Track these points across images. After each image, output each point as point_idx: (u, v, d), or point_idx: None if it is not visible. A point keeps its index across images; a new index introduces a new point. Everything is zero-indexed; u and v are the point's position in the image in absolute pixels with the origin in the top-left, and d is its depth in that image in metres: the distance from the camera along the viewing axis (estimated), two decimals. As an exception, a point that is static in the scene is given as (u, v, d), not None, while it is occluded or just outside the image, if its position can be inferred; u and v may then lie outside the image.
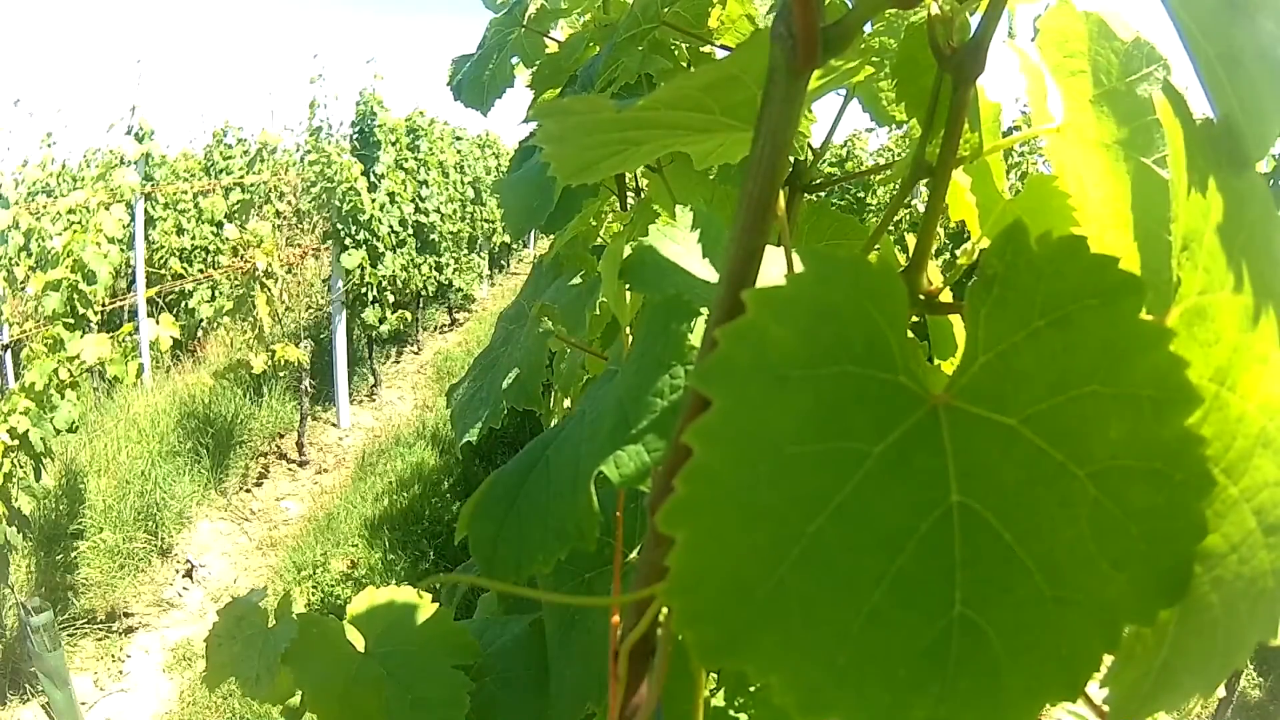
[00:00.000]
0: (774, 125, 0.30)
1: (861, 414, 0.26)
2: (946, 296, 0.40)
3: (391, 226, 6.61)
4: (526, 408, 0.62)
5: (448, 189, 8.63)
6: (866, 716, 0.24)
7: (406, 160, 7.44)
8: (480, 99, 1.16)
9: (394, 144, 6.93)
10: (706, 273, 0.59)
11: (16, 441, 3.29)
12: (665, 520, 0.24)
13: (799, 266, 0.26)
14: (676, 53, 0.98)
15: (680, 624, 0.24)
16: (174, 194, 7.94)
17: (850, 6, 0.31)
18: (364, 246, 6.21)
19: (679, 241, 0.60)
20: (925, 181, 0.41)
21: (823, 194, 0.83)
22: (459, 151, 9.91)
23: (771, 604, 0.24)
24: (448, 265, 8.47)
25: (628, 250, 0.59)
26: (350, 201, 6.00)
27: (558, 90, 1.14)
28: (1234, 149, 0.32)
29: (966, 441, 0.26)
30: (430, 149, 8.16)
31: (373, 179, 6.49)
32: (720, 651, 0.24)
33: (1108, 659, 0.25)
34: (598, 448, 0.46)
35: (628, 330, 0.57)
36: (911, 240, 0.49)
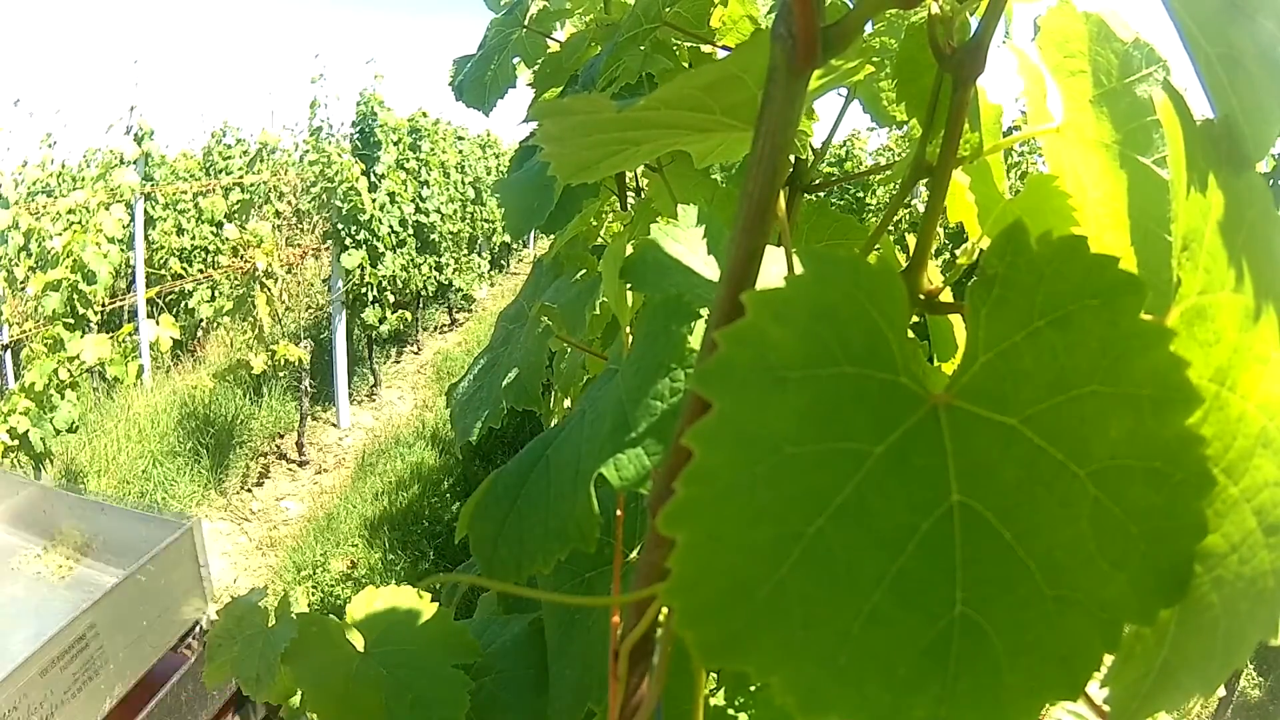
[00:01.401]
0: (774, 125, 0.30)
1: (861, 414, 0.26)
2: (946, 296, 0.40)
3: (391, 226, 6.61)
4: (526, 408, 0.62)
5: (448, 189, 8.63)
6: (867, 716, 0.24)
7: (407, 160, 7.43)
8: (482, 99, 1.16)
9: (395, 144, 6.93)
10: (708, 271, 0.59)
11: (16, 441, 3.29)
12: (666, 522, 0.24)
13: (798, 267, 0.26)
14: (678, 53, 0.98)
15: (681, 624, 0.24)
16: (174, 194, 7.94)
17: (850, 6, 0.31)
18: (364, 246, 6.21)
19: (680, 240, 0.60)
20: (925, 181, 0.41)
21: (823, 194, 0.83)
22: (460, 152, 9.91)
23: (772, 604, 0.24)
24: (448, 265, 8.47)
25: (628, 250, 0.59)
26: (350, 201, 6.00)
27: (559, 90, 1.14)
28: (1234, 149, 0.32)
29: (967, 441, 0.26)
30: (431, 149, 8.16)
31: (373, 179, 6.49)
32: (721, 651, 0.24)
33: (1108, 659, 0.25)
34: (598, 448, 0.46)
35: (628, 330, 0.57)
36: (911, 240, 0.49)
